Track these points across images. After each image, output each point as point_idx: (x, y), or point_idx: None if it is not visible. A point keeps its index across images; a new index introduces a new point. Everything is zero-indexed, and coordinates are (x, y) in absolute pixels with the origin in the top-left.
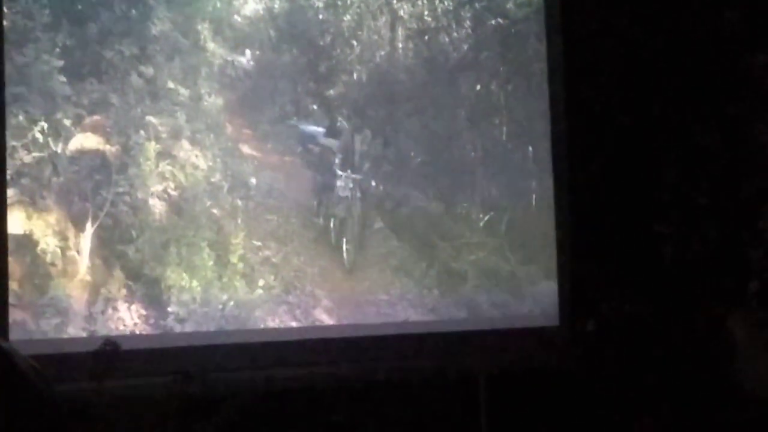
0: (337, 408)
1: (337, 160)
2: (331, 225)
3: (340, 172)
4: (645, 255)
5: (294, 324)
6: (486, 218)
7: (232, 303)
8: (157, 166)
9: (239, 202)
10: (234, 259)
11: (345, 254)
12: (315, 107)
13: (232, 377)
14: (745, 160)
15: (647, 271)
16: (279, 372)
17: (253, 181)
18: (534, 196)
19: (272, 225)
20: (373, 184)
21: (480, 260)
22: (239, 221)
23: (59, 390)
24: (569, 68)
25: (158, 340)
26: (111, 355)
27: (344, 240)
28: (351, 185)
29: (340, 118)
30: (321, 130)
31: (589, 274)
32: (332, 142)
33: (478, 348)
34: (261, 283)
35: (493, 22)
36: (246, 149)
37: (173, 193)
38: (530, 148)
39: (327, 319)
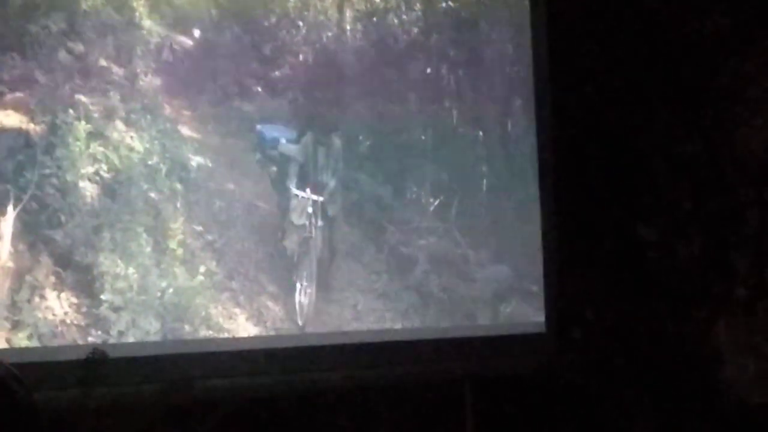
0: (323, 415)
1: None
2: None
3: (297, 192)
4: (630, 261)
5: (237, 310)
6: (436, 203)
7: (171, 290)
8: (87, 147)
9: (179, 186)
10: (173, 244)
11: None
12: (259, 89)
13: (219, 385)
14: (731, 165)
15: (633, 277)
16: (266, 379)
17: (194, 163)
18: (485, 181)
19: (214, 209)
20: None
21: (430, 245)
22: (178, 205)
23: (46, 398)
24: (554, 75)
25: (146, 349)
26: (98, 363)
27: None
28: (310, 210)
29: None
30: (282, 136)
31: (574, 281)
32: (291, 149)
33: (464, 354)
34: (202, 269)
35: (443, 5)
36: (186, 131)
37: (106, 175)
38: (481, 133)
39: (272, 306)
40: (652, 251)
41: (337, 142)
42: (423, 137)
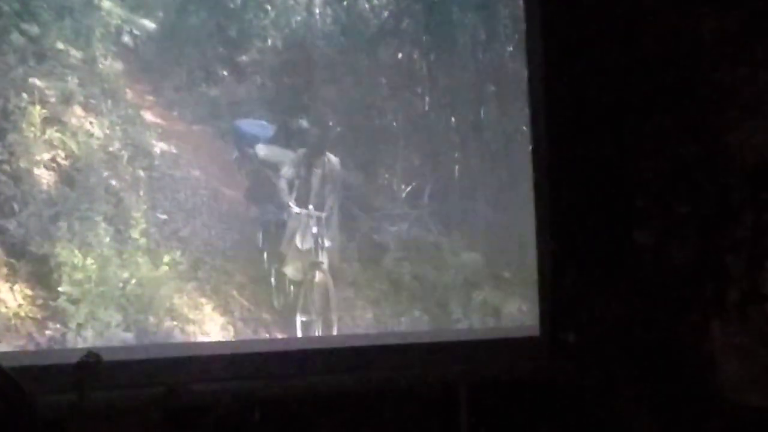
0: (318, 418)
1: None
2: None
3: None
4: (625, 264)
5: (204, 300)
6: (408, 189)
7: (134, 281)
8: (43, 133)
9: (141, 173)
10: (136, 234)
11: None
12: (226, 74)
13: (214, 388)
14: (725, 169)
15: (627, 280)
16: (260, 383)
17: (158, 150)
18: (457, 167)
19: (179, 197)
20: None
21: (402, 231)
22: (141, 193)
23: (40, 402)
24: (549, 80)
25: (141, 352)
26: (93, 367)
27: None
28: (315, 230)
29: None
30: (260, 133)
31: (569, 284)
32: (276, 154)
33: (459, 358)
34: (166, 259)
35: None
36: (149, 117)
37: (63, 162)
38: (453, 119)
39: (237, 295)
40: (647, 255)
41: (333, 159)
42: (394, 123)
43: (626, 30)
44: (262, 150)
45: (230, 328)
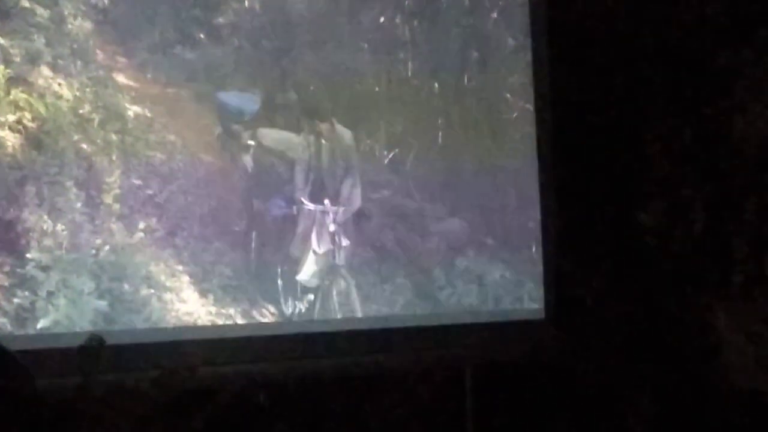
0: (322, 401)
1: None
2: None
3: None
4: (629, 247)
5: (181, 268)
6: (390, 155)
7: (107, 248)
8: (8, 94)
9: (114, 137)
10: (109, 199)
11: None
12: (202, 36)
13: (218, 372)
14: (730, 151)
15: (631, 263)
16: (266, 366)
17: (131, 113)
18: (440, 134)
19: (155, 162)
20: None
21: (385, 199)
22: (114, 158)
23: (43, 385)
24: (553, 64)
25: (144, 335)
26: (96, 350)
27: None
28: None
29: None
30: (248, 106)
31: (573, 267)
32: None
33: (464, 341)
34: (142, 225)
35: None
36: (121, 79)
37: (30, 124)
38: (436, 84)
39: (219, 262)
40: (651, 237)
41: (346, 133)
42: (377, 88)
43: (629, 11)
44: (266, 136)
45: (210, 296)
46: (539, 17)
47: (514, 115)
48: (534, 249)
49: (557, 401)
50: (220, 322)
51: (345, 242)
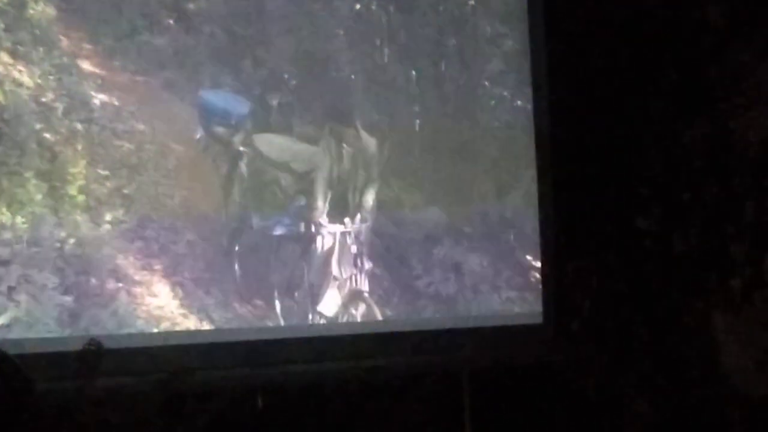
0: (321, 405)
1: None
2: None
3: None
4: (628, 252)
5: (151, 261)
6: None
7: (72, 241)
8: None
9: (79, 126)
10: (73, 190)
11: None
12: (171, 22)
13: (216, 375)
14: (729, 155)
15: (630, 268)
16: (263, 370)
17: (97, 102)
18: (417, 121)
19: (122, 152)
20: None
21: None
22: (79, 147)
23: (42, 390)
24: (551, 64)
25: (143, 339)
26: (95, 355)
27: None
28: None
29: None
30: (235, 107)
31: (572, 272)
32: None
33: (462, 345)
34: (108, 217)
35: None
36: (87, 66)
37: None
38: (413, 72)
39: (190, 255)
40: (650, 242)
41: (367, 138)
42: (352, 76)
43: (630, 14)
44: (263, 143)
45: (178, 290)
46: (537, 12)
47: (492, 102)
48: (512, 237)
49: (555, 405)
50: (193, 316)
51: (368, 264)
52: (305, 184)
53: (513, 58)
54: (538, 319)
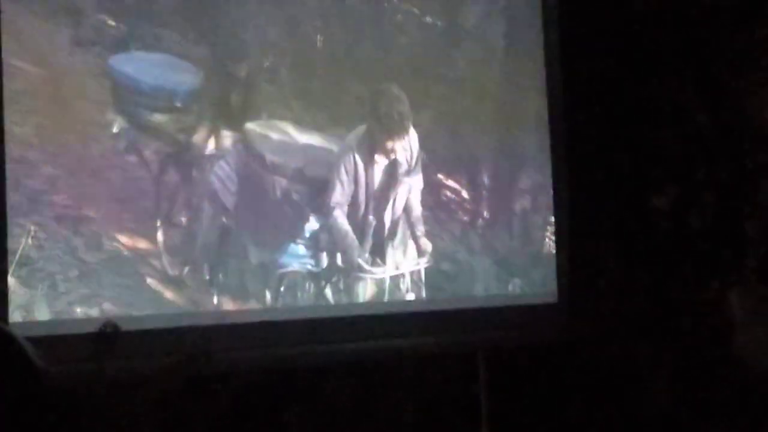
0: (337, 386)
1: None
2: None
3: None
4: (643, 231)
5: None
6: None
7: None
8: None
9: None
10: None
11: None
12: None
13: (234, 357)
14: (744, 134)
15: (645, 247)
16: (280, 351)
17: None
18: None
19: None
20: None
21: None
22: None
23: (58, 372)
24: (565, 47)
25: (159, 321)
26: (111, 337)
27: None
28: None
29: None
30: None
31: (587, 251)
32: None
33: (477, 326)
34: None
35: None
36: None
37: None
38: None
39: (132, 246)
40: (665, 221)
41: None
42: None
43: None
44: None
45: None
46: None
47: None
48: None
49: (570, 385)
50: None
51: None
52: None
53: None
54: (554, 299)
